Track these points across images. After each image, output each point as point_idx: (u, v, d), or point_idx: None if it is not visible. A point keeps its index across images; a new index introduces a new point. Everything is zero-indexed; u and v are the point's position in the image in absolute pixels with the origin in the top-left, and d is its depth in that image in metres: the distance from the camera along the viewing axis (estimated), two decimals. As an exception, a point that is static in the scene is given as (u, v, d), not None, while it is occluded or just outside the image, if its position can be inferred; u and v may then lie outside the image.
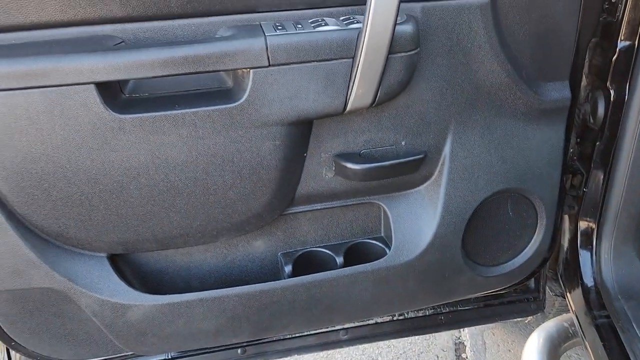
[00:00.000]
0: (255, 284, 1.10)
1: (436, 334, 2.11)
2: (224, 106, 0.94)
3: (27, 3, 0.88)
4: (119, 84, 0.93)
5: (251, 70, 0.92)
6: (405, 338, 1.98)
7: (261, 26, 0.94)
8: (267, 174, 1.02)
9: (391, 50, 0.92)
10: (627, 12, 1.14)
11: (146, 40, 0.94)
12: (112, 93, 0.92)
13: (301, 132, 1.01)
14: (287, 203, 1.11)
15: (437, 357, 2.10)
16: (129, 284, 1.06)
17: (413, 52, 0.97)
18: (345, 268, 1.14)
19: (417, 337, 2.13)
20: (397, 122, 1.06)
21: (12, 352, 1.28)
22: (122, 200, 0.98)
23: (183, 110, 0.93)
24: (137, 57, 0.88)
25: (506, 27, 1.04)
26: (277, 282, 1.11)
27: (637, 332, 1.19)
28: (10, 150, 0.90)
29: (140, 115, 0.92)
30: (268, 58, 0.91)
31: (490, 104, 1.10)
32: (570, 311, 1.42)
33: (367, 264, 1.14)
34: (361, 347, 2.10)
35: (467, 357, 2.11)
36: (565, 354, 1.52)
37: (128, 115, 0.91)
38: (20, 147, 0.90)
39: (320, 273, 1.13)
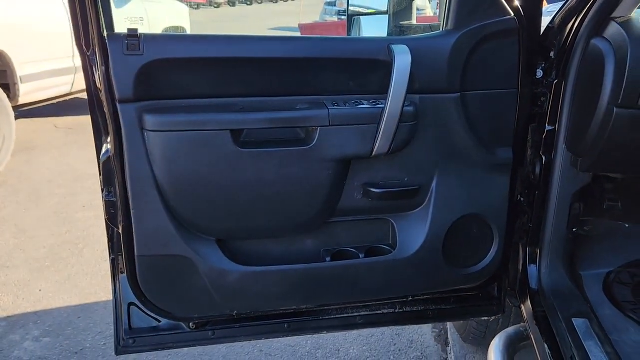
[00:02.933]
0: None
1: (424, 327, 2.68)
2: (300, 148, 1.59)
3: (195, 83, 1.57)
4: (241, 131, 1.60)
5: (318, 128, 1.58)
6: (396, 329, 2.58)
7: (325, 103, 1.61)
8: (321, 192, 1.65)
9: (400, 121, 1.59)
10: (550, 107, 1.82)
11: (256, 107, 1.62)
12: (237, 136, 1.57)
13: (344, 167, 1.66)
14: (330, 214, 1.73)
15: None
16: (229, 258, 1.66)
17: (413, 123, 1.64)
18: (364, 259, 1.75)
19: (408, 328, 2.70)
20: (402, 165, 1.71)
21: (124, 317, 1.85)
22: (233, 203, 1.61)
23: (276, 149, 1.59)
24: (252, 116, 1.56)
25: (470, 112, 1.71)
26: (320, 264, 1.71)
27: (560, 317, 1.77)
28: (176, 166, 1.54)
29: (251, 150, 1.57)
30: (329, 121, 1.57)
31: (461, 158, 1.74)
32: (523, 315, 1.99)
33: (379, 257, 1.75)
34: (360, 334, 2.68)
35: (449, 350, 2.66)
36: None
37: (245, 150, 1.56)
38: (182, 165, 1.54)
39: (348, 260, 1.73)
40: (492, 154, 1.78)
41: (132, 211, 1.57)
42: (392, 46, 1.58)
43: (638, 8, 1.64)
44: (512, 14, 1.67)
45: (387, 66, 1.58)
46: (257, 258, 1.73)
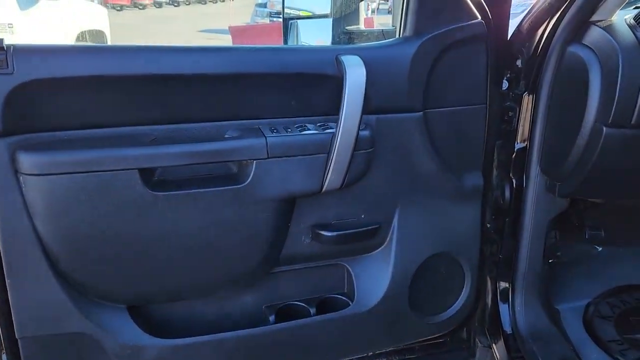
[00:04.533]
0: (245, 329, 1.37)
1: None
2: (231, 187, 1.26)
3: (88, 108, 1.20)
4: (154, 169, 1.24)
5: (254, 161, 1.25)
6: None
7: (261, 129, 1.29)
8: (260, 239, 1.33)
9: (355, 148, 1.29)
10: (519, 123, 1.58)
11: (174, 137, 1.27)
12: (149, 175, 1.22)
13: (287, 207, 1.34)
14: (272, 264, 1.40)
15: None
16: (144, 329, 1.30)
17: (370, 150, 1.34)
18: (316, 317, 1.43)
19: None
20: (358, 200, 1.41)
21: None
22: (147, 260, 1.25)
23: (201, 190, 1.24)
24: (167, 150, 1.20)
25: (435, 133, 1.44)
26: (263, 327, 1.38)
27: None
28: (67, 218, 1.17)
29: (169, 193, 1.22)
30: (267, 152, 1.25)
31: (425, 188, 1.47)
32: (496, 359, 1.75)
33: (334, 313, 1.44)
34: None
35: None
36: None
37: (160, 193, 1.21)
38: (75, 216, 1.17)
39: (296, 320, 1.41)
40: (461, 181, 1.52)
41: (7, 281, 1.18)
42: (342, 57, 1.28)
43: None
44: (479, 17, 1.42)
45: (336, 81, 1.28)
46: (182, 326, 1.37)
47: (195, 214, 1.25)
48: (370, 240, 1.45)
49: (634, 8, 1.57)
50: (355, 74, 1.25)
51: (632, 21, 1.32)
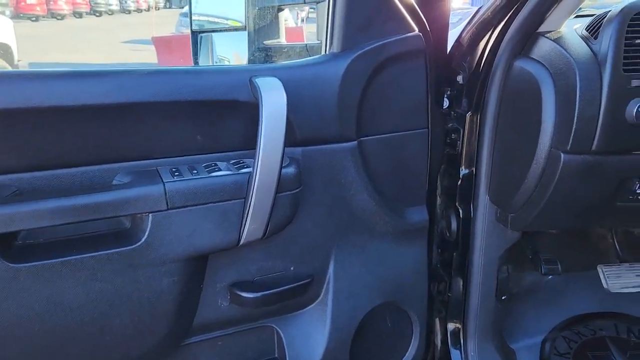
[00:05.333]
0: None
1: None
2: (122, 249, 0.99)
3: None
4: (14, 233, 0.95)
5: (150, 214, 0.99)
6: None
7: (158, 172, 1.02)
8: (164, 308, 1.06)
9: (278, 190, 1.05)
10: (464, 147, 1.41)
11: (43, 188, 0.98)
12: (6, 242, 0.92)
13: (197, 266, 1.08)
14: (184, 334, 1.14)
15: None
16: None
17: (296, 190, 1.11)
18: None
19: None
20: (285, 250, 1.17)
21: None
22: (17, 348, 0.95)
23: (81, 256, 0.96)
24: (33, 207, 0.92)
25: (372, 165, 1.23)
26: None
27: None
28: None
29: (36, 263, 0.93)
30: (167, 202, 0.99)
31: (364, 229, 1.26)
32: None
33: None
34: None
35: None
36: None
37: (23, 265, 0.92)
38: None
39: None
40: (404, 218, 1.32)
41: None
42: (257, 79, 1.05)
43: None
44: (417, 29, 1.23)
45: (251, 109, 1.04)
46: None
47: (75, 287, 0.97)
48: (302, 296, 1.22)
49: (576, 17, 1.44)
50: (273, 100, 1.02)
51: (585, 32, 1.17)
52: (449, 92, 1.40)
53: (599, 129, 1.08)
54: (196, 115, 1.06)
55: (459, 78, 1.39)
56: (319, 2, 1.30)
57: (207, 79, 1.06)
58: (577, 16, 1.40)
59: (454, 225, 1.46)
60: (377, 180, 1.25)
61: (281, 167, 1.04)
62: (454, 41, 1.40)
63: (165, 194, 0.98)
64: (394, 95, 1.24)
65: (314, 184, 1.17)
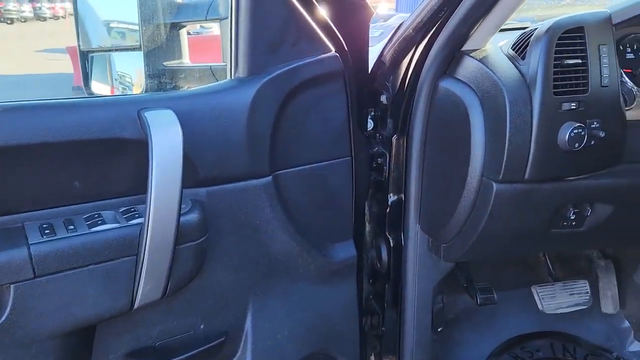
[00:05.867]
0: None
1: None
2: None
3: None
4: None
5: (11, 285, 0.80)
6: None
7: (24, 230, 0.84)
8: None
9: (178, 241, 0.89)
10: (391, 172, 1.30)
11: None
12: None
13: (81, 339, 0.90)
14: None
15: None
16: None
17: (201, 239, 0.95)
18: None
19: None
20: (193, 307, 1.01)
21: None
22: None
23: None
24: None
25: (290, 201, 1.10)
26: None
27: None
28: None
29: None
30: (33, 269, 0.80)
31: (285, 273, 1.12)
32: None
33: None
34: None
35: None
36: None
37: None
38: None
39: None
40: (329, 256, 1.19)
41: None
42: (146, 113, 0.88)
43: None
44: (333, 49, 1.10)
45: (141, 147, 0.88)
46: None
47: None
48: (216, 357, 1.06)
49: (501, 30, 1.37)
50: (165, 136, 0.86)
51: (511, 51, 1.09)
52: (373, 113, 1.29)
53: (531, 156, 1.00)
54: (72, 158, 0.88)
55: (383, 98, 1.28)
56: (223, 20, 1.15)
57: (85, 114, 0.88)
58: (502, 30, 1.33)
59: (384, 255, 1.35)
60: (298, 217, 1.12)
61: (179, 215, 0.88)
62: (375, 59, 1.29)
63: (31, 259, 0.80)
64: (312, 123, 1.11)
65: (223, 229, 1.02)
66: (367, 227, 1.40)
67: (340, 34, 1.11)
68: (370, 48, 1.34)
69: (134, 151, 0.90)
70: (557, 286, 1.56)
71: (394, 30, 1.26)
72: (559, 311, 1.54)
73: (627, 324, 1.61)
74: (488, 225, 1.11)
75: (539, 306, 1.55)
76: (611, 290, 1.60)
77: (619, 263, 1.61)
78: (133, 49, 1.26)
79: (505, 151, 1.01)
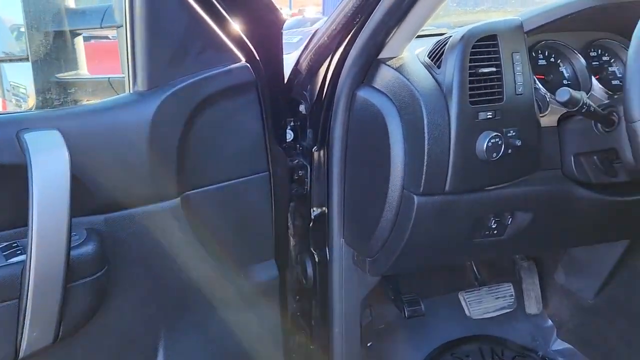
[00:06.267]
0: None
1: None
2: None
3: None
4: None
5: None
6: None
7: None
8: None
9: (70, 278, 0.79)
10: (313, 185, 1.25)
11: None
12: None
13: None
14: None
15: None
16: None
17: (99, 274, 0.85)
18: None
19: None
20: (93, 349, 0.91)
21: None
22: None
23: None
24: None
25: (203, 223, 1.02)
26: None
27: None
28: None
29: None
30: None
31: (200, 302, 1.04)
32: None
33: None
34: None
35: None
36: None
37: None
38: None
39: None
40: (249, 278, 1.12)
41: None
42: (26, 135, 0.77)
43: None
44: (244, 59, 1.03)
45: (20, 174, 0.77)
46: None
47: None
48: None
49: (418, 37, 1.34)
50: (48, 160, 0.76)
51: (427, 59, 1.07)
52: (292, 123, 1.23)
53: (450, 168, 0.98)
54: None
55: (302, 108, 1.23)
56: (119, 27, 1.05)
57: None
58: (419, 36, 1.31)
59: (309, 271, 1.30)
60: (212, 240, 1.03)
61: (69, 248, 0.77)
62: (292, 66, 1.23)
63: None
64: (224, 138, 1.03)
65: (127, 259, 0.92)
66: (292, 242, 1.34)
67: (251, 43, 1.04)
68: (288, 55, 1.28)
69: (14, 178, 0.79)
70: (483, 291, 1.57)
71: (309, 38, 1.21)
72: (485, 316, 1.55)
73: (550, 323, 1.65)
74: (411, 239, 1.07)
75: (466, 312, 1.55)
76: (534, 291, 1.62)
77: (541, 263, 1.64)
78: (20, 59, 1.12)
79: (425, 163, 0.97)
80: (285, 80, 1.22)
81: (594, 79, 1.14)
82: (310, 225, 1.27)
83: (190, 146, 0.96)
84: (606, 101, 1.10)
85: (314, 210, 1.27)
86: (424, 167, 0.98)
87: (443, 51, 1.02)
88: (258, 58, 1.05)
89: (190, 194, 0.99)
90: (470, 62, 0.96)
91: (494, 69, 0.98)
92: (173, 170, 0.94)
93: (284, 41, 1.20)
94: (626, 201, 1.12)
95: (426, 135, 0.97)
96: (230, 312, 1.09)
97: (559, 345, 1.61)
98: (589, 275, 1.53)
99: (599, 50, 1.20)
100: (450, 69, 0.97)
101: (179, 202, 0.97)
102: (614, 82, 1.19)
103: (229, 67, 0.99)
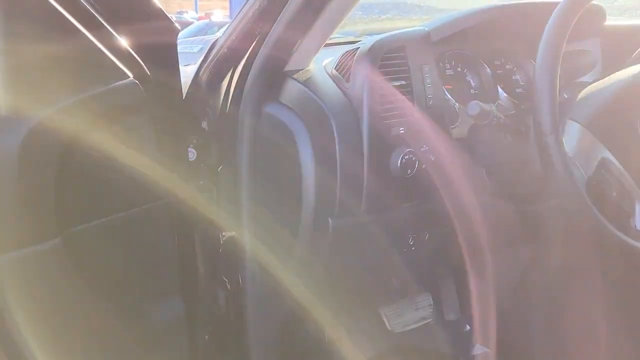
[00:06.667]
0: None
1: None
2: None
3: None
4: None
5: None
6: None
7: None
8: None
9: None
10: (221, 207, 1.15)
11: None
12: None
13: None
14: None
15: None
16: None
17: None
18: None
19: None
20: None
21: None
22: None
23: None
24: None
25: (91, 262, 0.89)
26: None
27: None
28: None
29: None
30: None
31: (90, 353, 0.90)
32: None
33: None
34: None
35: None
36: None
37: None
38: None
39: None
40: (149, 319, 1.00)
41: None
42: None
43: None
44: (131, 75, 0.92)
45: None
46: None
47: None
48: None
49: (325, 46, 1.28)
50: None
51: (335, 72, 1.01)
52: (195, 141, 1.13)
53: (365, 187, 0.92)
54: None
55: (204, 124, 1.13)
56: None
57: None
58: (326, 45, 1.25)
59: (222, 300, 1.20)
60: (103, 281, 0.91)
61: None
62: (191, 79, 1.13)
63: None
64: (112, 165, 0.90)
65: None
66: (200, 271, 1.23)
67: (140, 56, 0.93)
68: (188, 67, 1.18)
69: None
70: (403, 303, 1.54)
71: (208, 48, 1.11)
72: (407, 328, 1.52)
73: (468, 328, 1.66)
74: (329, 261, 1.01)
75: (387, 326, 1.52)
76: (451, 297, 1.63)
77: (457, 270, 1.64)
78: None
79: (338, 183, 0.91)
80: (184, 95, 1.12)
81: (499, 88, 1.14)
82: (221, 251, 1.17)
83: (71, 178, 0.83)
84: (513, 111, 1.10)
85: (223, 235, 1.17)
86: (338, 188, 0.91)
87: (351, 64, 0.96)
88: (149, 73, 0.94)
89: (75, 232, 0.86)
90: (380, 76, 0.92)
91: (404, 82, 0.94)
92: (50, 206, 0.81)
93: (183, 51, 1.10)
94: (534, 209, 1.13)
95: (338, 153, 0.91)
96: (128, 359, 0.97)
97: (478, 349, 1.62)
98: (502, 278, 1.55)
99: (502, 59, 1.20)
100: (360, 82, 0.92)
101: (59, 242, 0.83)
102: (518, 90, 1.20)
103: (113, 85, 0.87)
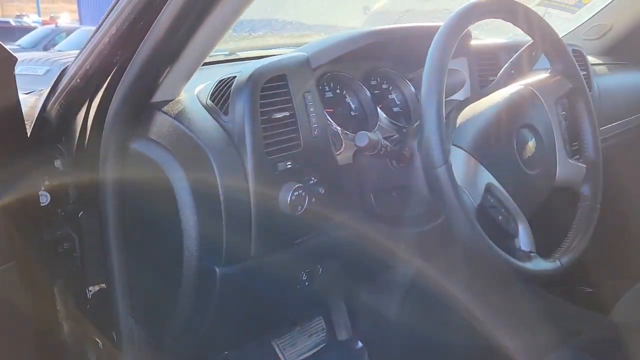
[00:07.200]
0: None
1: None
2: None
3: None
4: None
5: None
6: None
7: None
8: None
9: None
10: (85, 258, 1.00)
11: None
12: None
13: None
14: None
15: None
16: None
17: None
18: None
19: None
20: None
21: None
22: None
23: None
24: None
25: None
26: None
27: None
28: None
29: None
30: None
31: None
32: None
33: None
34: None
35: None
36: None
37: None
38: None
39: None
40: None
41: None
42: None
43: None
44: None
45: None
46: None
47: None
48: None
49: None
50: None
51: (210, 102, 0.91)
52: (47, 182, 0.96)
53: (254, 228, 0.84)
54: None
55: (58, 164, 0.97)
56: None
57: None
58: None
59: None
60: None
61: None
62: (37, 113, 0.96)
63: None
64: None
65: None
66: (65, 331, 1.06)
67: None
68: (30, 96, 1.00)
69: None
70: (296, 332, 1.48)
71: (56, 76, 0.95)
72: (301, 357, 1.47)
73: (360, 344, 1.65)
74: (218, 312, 0.91)
75: (282, 358, 1.45)
76: (342, 317, 1.60)
77: (347, 291, 1.63)
78: None
79: (224, 228, 0.82)
80: (30, 132, 0.94)
81: (379, 109, 1.13)
82: (88, 307, 1.02)
83: None
84: (394, 134, 1.09)
85: (90, 290, 1.02)
86: (223, 233, 0.82)
87: (228, 94, 0.87)
88: None
89: None
90: (261, 108, 0.84)
91: (287, 114, 0.87)
92: None
93: (25, 73, 0.93)
94: (421, 231, 1.13)
95: (221, 195, 0.81)
96: None
97: (368, 367, 1.62)
98: (389, 294, 1.56)
99: (378, 79, 1.19)
100: (240, 115, 0.84)
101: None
102: (395, 109, 1.20)
103: None
